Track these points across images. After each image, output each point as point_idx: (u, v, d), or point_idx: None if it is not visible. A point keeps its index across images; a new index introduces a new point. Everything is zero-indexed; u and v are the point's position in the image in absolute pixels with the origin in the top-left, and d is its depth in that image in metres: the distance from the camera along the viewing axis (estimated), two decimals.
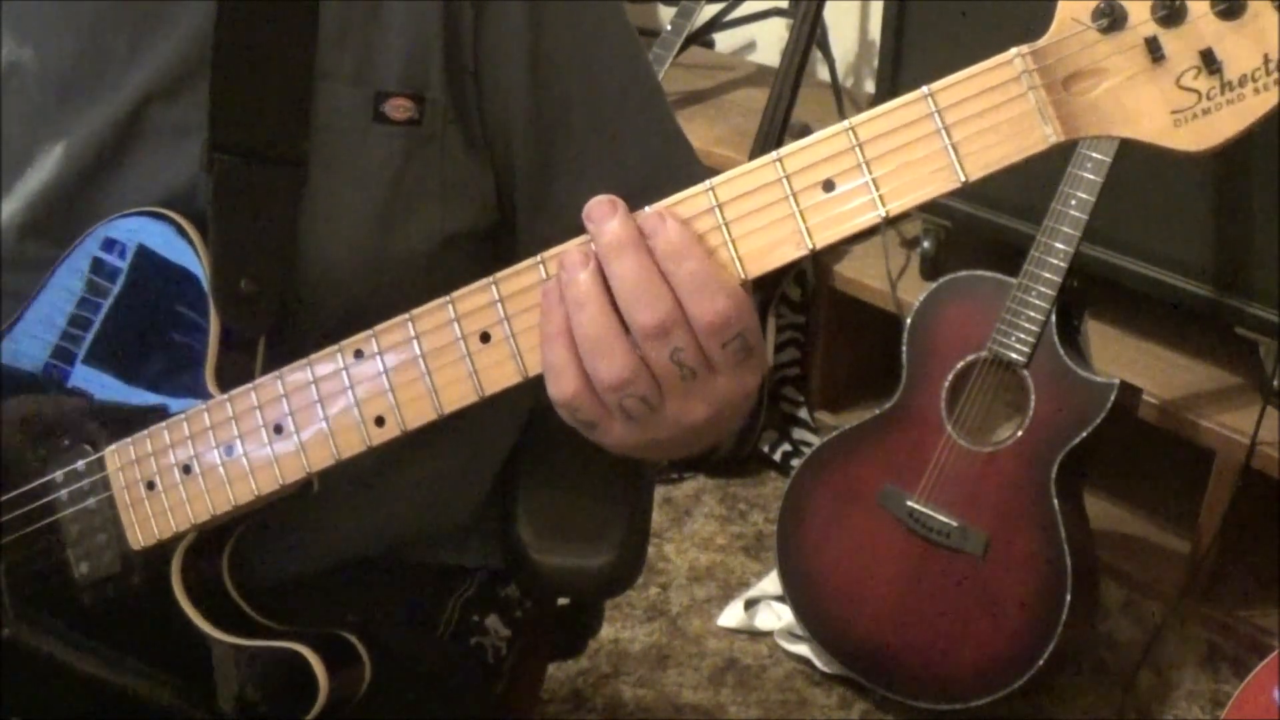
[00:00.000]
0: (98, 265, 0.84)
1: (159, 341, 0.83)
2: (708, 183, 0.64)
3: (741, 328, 0.64)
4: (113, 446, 0.82)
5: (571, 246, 0.65)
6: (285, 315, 0.82)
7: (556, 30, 0.85)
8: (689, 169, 0.91)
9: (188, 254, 0.82)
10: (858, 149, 0.61)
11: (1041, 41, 0.59)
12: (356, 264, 0.85)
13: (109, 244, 0.83)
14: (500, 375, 0.69)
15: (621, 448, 0.70)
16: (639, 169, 0.88)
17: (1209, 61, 0.56)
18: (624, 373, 0.64)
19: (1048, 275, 1.58)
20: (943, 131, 0.59)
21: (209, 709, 0.83)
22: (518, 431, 1.06)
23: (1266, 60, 0.55)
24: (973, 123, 0.59)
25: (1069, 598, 1.58)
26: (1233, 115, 0.56)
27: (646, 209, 0.64)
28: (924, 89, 0.59)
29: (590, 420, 0.67)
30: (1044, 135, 0.58)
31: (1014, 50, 0.59)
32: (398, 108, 0.83)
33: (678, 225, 0.63)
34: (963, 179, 0.59)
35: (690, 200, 0.64)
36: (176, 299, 0.82)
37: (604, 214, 0.64)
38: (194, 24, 0.81)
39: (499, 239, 0.92)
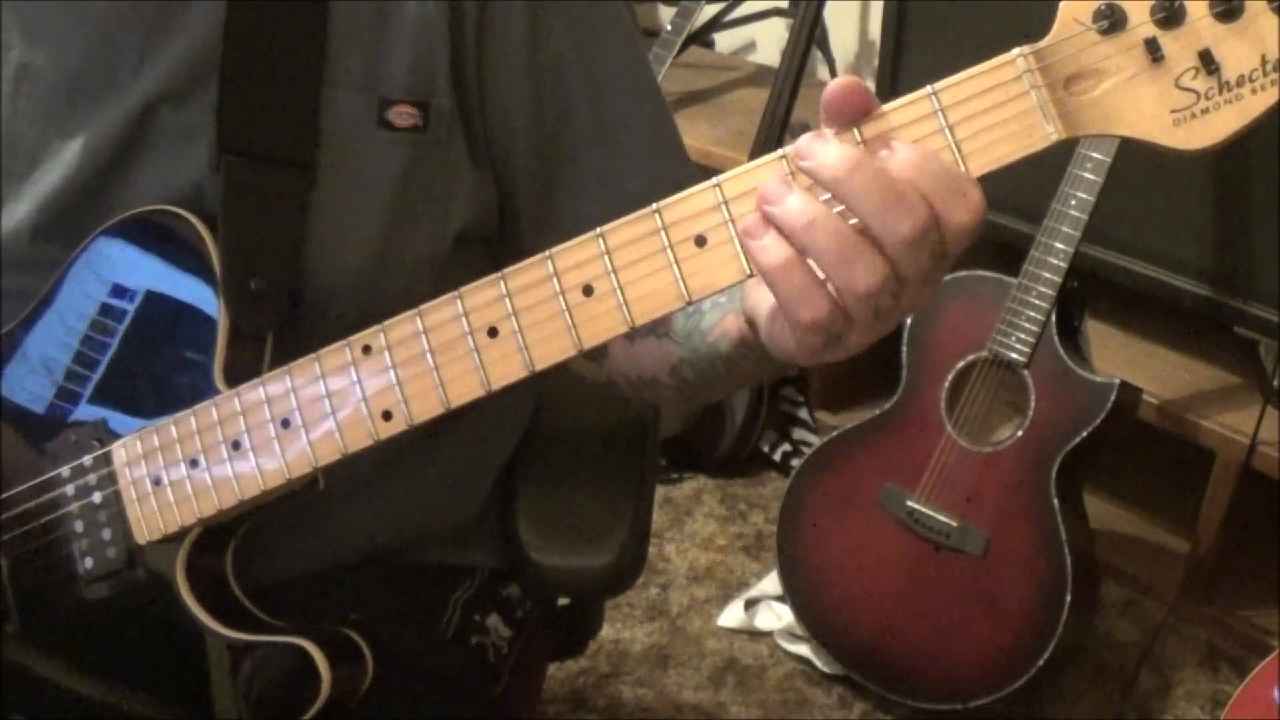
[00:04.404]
0: (106, 309, 0.85)
1: (164, 381, 0.83)
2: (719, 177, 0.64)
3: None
4: (120, 441, 0.82)
5: (758, 182, 0.62)
6: (293, 314, 0.83)
7: (557, 33, 0.85)
8: (687, 183, 0.91)
9: (192, 282, 0.82)
10: (862, 147, 0.62)
11: (1043, 42, 0.59)
12: (362, 267, 0.85)
13: (120, 291, 0.84)
14: (507, 370, 0.70)
15: (844, 353, 0.67)
16: (639, 183, 0.88)
17: (1207, 62, 0.57)
18: (883, 272, 0.60)
19: (1048, 275, 1.58)
20: (946, 130, 0.60)
21: (207, 712, 0.84)
22: (519, 432, 1.06)
23: (1264, 61, 0.56)
24: (975, 121, 0.59)
25: (1069, 598, 1.58)
26: (1231, 115, 0.57)
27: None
28: (928, 88, 0.60)
29: (837, 334, 0.63)
30: (1045, 133, 0.59)
31: (1016, 50, 0.59)
32: (402, 115, 0.83)
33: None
34: None
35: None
36: (182, 340, 0.82)
37: (818, 144, 0.61)
38: (204, 27, 0.82)
39: (504, 244, 0.92)
